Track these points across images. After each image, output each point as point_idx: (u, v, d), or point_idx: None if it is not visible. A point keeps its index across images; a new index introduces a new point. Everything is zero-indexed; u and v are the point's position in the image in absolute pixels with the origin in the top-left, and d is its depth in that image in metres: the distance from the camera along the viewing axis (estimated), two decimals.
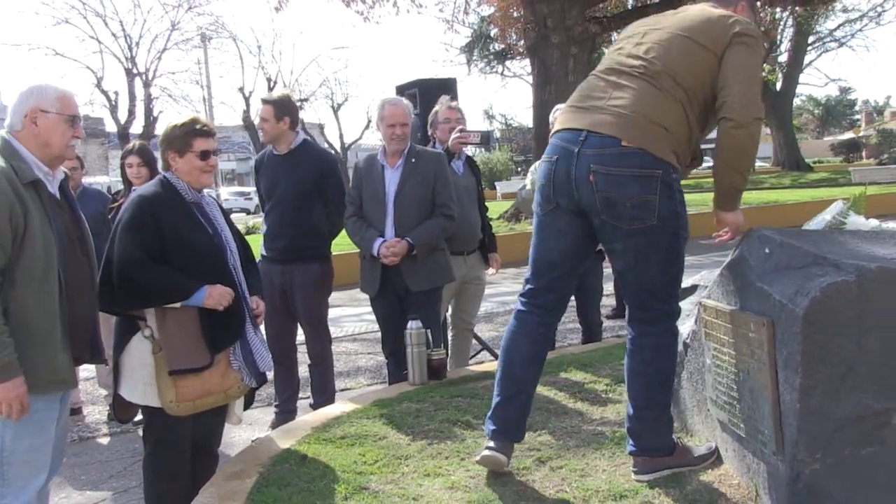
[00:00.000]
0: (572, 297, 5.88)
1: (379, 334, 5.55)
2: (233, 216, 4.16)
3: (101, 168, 40.17)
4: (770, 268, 2.80)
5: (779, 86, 42.53)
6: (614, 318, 8.54)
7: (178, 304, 3.44)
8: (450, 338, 5.86)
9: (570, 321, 7.37)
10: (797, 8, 27.09)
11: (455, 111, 5.81)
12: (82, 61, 46.52)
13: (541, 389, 4.60)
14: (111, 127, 39.76)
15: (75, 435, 5.81)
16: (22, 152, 3.11)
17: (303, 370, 5.56)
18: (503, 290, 10.34)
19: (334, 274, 5.44)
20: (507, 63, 35.98)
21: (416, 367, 4.91)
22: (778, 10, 30.51)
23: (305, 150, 5.33)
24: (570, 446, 3.69)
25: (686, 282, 4.13)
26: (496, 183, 39.74)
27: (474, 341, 6.22)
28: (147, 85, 38.23)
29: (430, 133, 5.94)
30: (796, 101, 55.24)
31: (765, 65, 41.28)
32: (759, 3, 23.30)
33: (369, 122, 41.67)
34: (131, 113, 37.36)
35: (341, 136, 48.10)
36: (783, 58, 43.81)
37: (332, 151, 42.97)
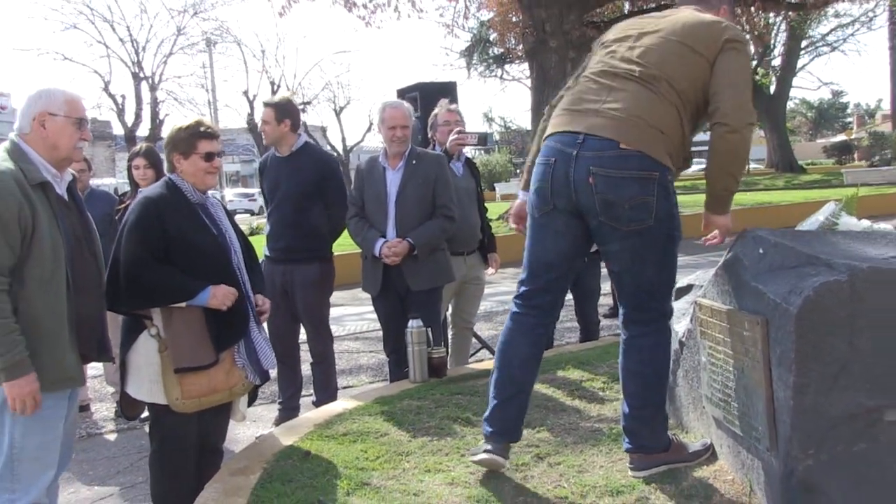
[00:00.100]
0: (570, 297, 5.93)
1: (380, 333, 5.54)
2: (237, 217, 4.16)
3: (108, 170, 40.20)
4: (764, 267, 2.80)
5: (773, 89, 42.52)
6: (612, 317, 8.53)
7: (183, 304, 3.44)
8: (450, 336, 5.86)
9: (568, 320, 7.38)
10: (790, 13, 27.06)
11: (454, 114, 5.82)
12: (90, 66, 46.77)
13: (539, 387, 4.60)
14: (118, 130, 39.85)
15: (83, 431, 5.81)
16: (30, 155, 3.11)
17: (305, 368, 5.56)
18: (502, 289, 10.34)
19: (336, 274, 5.44)
20: (506, 67, 35.97)
21: (417, 365, 4.91)
22: (772, 14, 30.49)
23: (306, 152, 5.33)
24: (568, 443, 3.69)
25: (682, 281, 4.13)
26: (495, 184, 39.73)
27: (474, 340, 6.22)
28: (153, 89, 38.27)
29: (430, 135, 5.94)
30: (790, 105, 55.25)
31: (759, 68, 41.39)
32: (753, 8, 23.37)
33: (371, 124, 41.65)
34: (138, 116, 37.41)
35: (343, 139, 48.06)
36: (777, 62, 43.83)
37: (335, 154, 43.21)
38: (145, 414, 3.72)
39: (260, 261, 4.13)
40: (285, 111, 5.26)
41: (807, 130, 78.17)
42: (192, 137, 3.58)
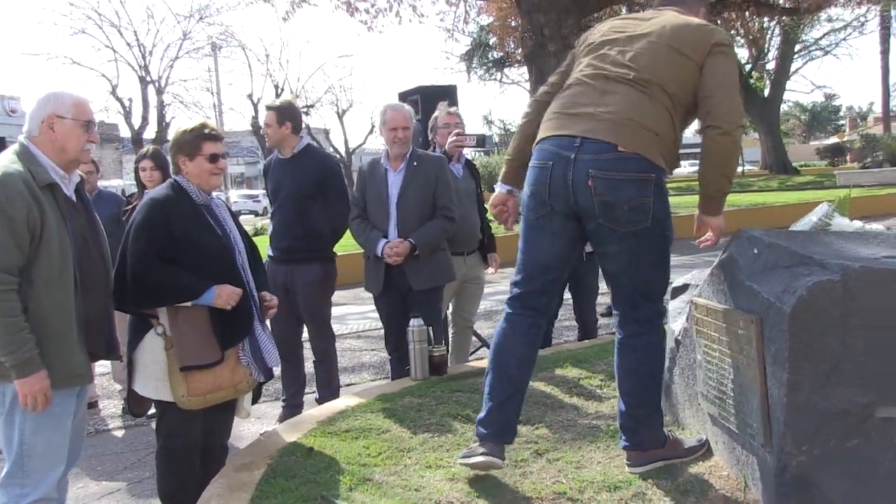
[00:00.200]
0: (569, 296, 5.93)
1: (382, 331, 5.54)
2: (241, 218, 4.16)
3: (115, 172, 40.20)
4: (758, 267, 2.80)
5: (767, 92, 42.48)
6: (609, 316, 8.51)
7: (188, 303, 3.44)
8: (450, 335, 5.86)
9: (566, 319, 7.38)
10: (784, 17, 27.09)
11: (454, 116, 5.83)
12: (98, 70, 46.55)
13: (538, 384, 4.61)
14: (125, 132, 39.88)
15: (91, 428, 5.81)
16: (39, 157, 3.11)
17: (309, 366, 5.56)
18: (502, 289, 10.29)
19: (337, 274, 5.43)
20: (506, 70, 35.95)
21: (418, 363, 4.91)
22: (766, 19, 30.52)
23: (308, 154, 5.32)
24: (567, 439, 3.69)
25: (678, 281, 4.13)
26: (495, 185, 39.47)
27: (474, 338, 6.22)
28: (160, 92, 38.33)
29: (430, 138, 5.95)
30: (783, 107, 55.27)
31: (753, 72, 41.39)
32: (747, 13, 23.38)
33: (373, 127, 41.63)
34: (144, 119, 37.48)
35: (346, 141, 48.08)
36: (771, 65, 43.79)
37: (338, 156, 43.20)
38: (152, 411, 3.73)
39: (264, 261, 4.13)
40: (286, 114, 5.26)
41: (800, 133, 78.21)
42: (197, 139, 3.58)
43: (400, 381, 5.00)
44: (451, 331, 5.88)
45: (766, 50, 41.66)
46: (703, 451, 3.30)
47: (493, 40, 31.65)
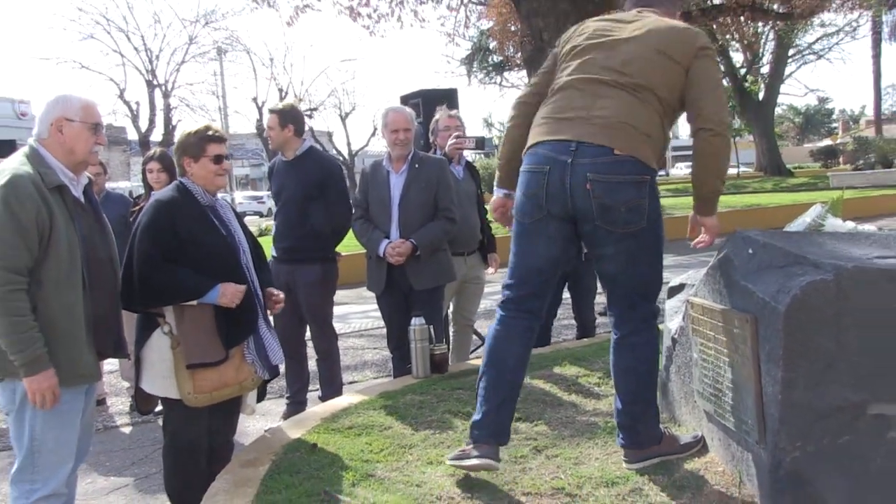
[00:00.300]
0: (567, 295, 5.93)
1: (384, 330, 5.55)
2: (246, 219, 4.16)
3: (123, 174, 40.20)
4: (753, 267, 2.80)
5: (761, 95, 42.47)
6: (607, 316, 8.52)
7: (194, 302, 3.44)
8: (451, 334, 5.86)
9: (565, 318, 7.37)
10: (778, 22, 27.06)
11: (455, 119, 5.83)
12: (106, 74, 46.51)
13: (537, 382, 4.61)
14: (133, 135, 39.92)
15: (100, 424, 5.81)
16: (48, 159, 3.11)
17: (312, 364, 5.56)
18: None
19: (338, 274, 5.43)
20: (506, 74, 35.92)
21: (420, 362, 4.91)
22: (760, 24, 30.51)
23: (310, 156, 5.32)
24: (565, 436, 3.69)
25: (674, 280, 4.13)
26: (495, 187, 39.47)
27: (474, 337, 6.22)
28: (166, 95, 38.34)
29: (431, 140, 5.95)
30: (778, 110, 55.17)
31: (748, 76, 41.40)
32: (742, 18, 23.37)
33: (375, 129, 41.64)
34: (151, 122, 37.48)
35: (349, 144, 48.09)
36: (765, 69, 43.79)
37: (341, 158, 43.20)
38: (159, 408, 3.72)
39: (268, 260, 4.13)
40: (289, 117, 5.26)
41: (794, 135, 78.16)
42: (201, 141, 3.58)
43: (402, 379, 5.00)
44: (451, 330, 5.88)
45: (760, 54, 41.65)
46: (699, 447, 3.30)
47: (493, 44, 31.61)
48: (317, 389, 5.55)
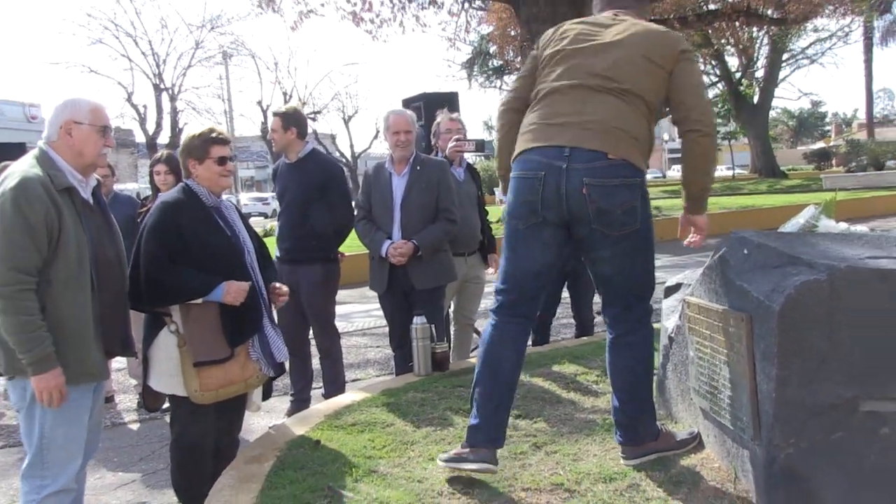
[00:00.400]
0: (566, 294, 5.93)
1: (387, 329, 5.54)
2: (251, 220, 4.17)
3: (130, 175, 40.21)
4: (748, 267, 2.80)
5: (756, 99, 42.48)
6: (602, 316, 8.50)
7: (199, 301, 3.44)
8: (452, 332, 5.86)
9: (564, 317, 7.37)
10: (773, 27, 27.08)
11: (456, 122, 5.83)
12: (114, 78, 46.92)
13: (536, 380, 4.61)
14: (140, 138, 39.98)
15: (108, 421, 5.81)
16: (58, 161, 3.11)
17: (316, 362, 5.55)
18: None
19: (340, 274, 5.42)
20: (506, 78, 35.85)
21: (421, 360, 4.91)
22: (755, 29, 30.51)
23: (313, 158, 5.32)
24: (564, 433, 3.69)
25: (671, 280, 4.13)
26: (495, 188, 39.60)
27: (475, 335, 6.22)
28: (173, 99, 38.42)
29: (433, 143, 5.95)
30: (772, 114, 55.14)
31: (743, 79, 41.39)
32: (738, 23, 23.38)
33: (378, 132, 41.65)
34: (158, 125, 37.57)
35: (352, 146, 48.18)
36: (760, 73, 43.80)
37: (344, 160, 43.16)
38: (166, 405, 3.72)
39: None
40: (292, 120, 5.26)
41: (788, 138, 78.12)
42: (206, 143, 3.58)
43: (404, 377, 5.00)
44: (452, 328, 5.88)
45: (755, 58, 41.69)
46: (695, 443, 3.30)
47: (493, 49, 31.67)
48: (320, 387, 5.55)
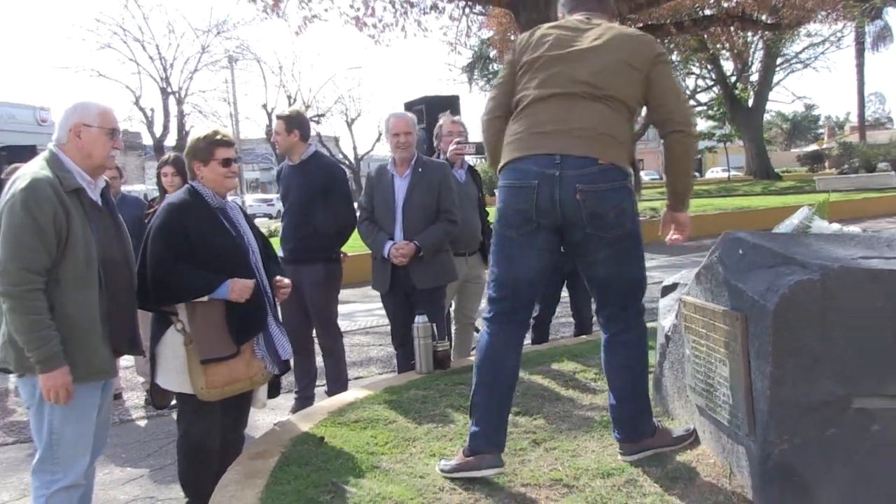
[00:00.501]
0: (566, 293, 5.92)
1: (389, 328, 5.55)
2: (256, 221, 4.17)
3: (138, 177, 40.24)
4: (743, 267, 2.80)
5: (751, 102, 42.50)
6: (596, 316, 8.48)
7: (205, 299, 3.44)
8: (453, 331, 5.85)
9: (563, 316, 7.36)
10: (767, 32, 27.06)
11: (458, 125, 5.83)
12: (122, 82, 47.06)
13: (536, 378, 4.61)
14: (147, 140, 40.04)
15: (116, 418, 5.81)
16: (67, 163, 3.11)
17: (319, 361, 5.55)
18: None
19: (342, 274, 5.42)
20: None
21: (423, 358, 4.91)
22: (750, 34, 30.48)
23: (315, 160, 5.32)
24: (563, 429, 3.68)
25: (667, 280, 4.13)
26: (496, 190, 39.41)
27: (475, 334, 6.22)
28: (180, 102, 38.45)
29: (435, 145, 5.95)
30: (766, 117, 55.18)
31: (738, 83, 41.39)
32: (733, 28, 23.37)
33: (380, 135, 41.64)
34: (165, 128, 37.60)
35: (355, 148, 48.18)
36: (754, 77, 43.80)
37: (347, 162, 43.12)
38: (174, 402, 3.72)
39: None
40: (295, 123, 5.27)
41: (782, 140, 78.11)
42: (210, 146, 3.59)
43: (406, 375, 5.00)
44: (453, 327, 5.88)
45: (750, 63, 41.69)
46: (691, 440, 3.30)
47: (493, 53, 31.63)
48: (324, 385, 5.55)
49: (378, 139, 45.08)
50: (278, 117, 5.39)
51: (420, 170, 5.11)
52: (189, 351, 3.44)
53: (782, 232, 3.41)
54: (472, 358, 5.52)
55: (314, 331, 5.46)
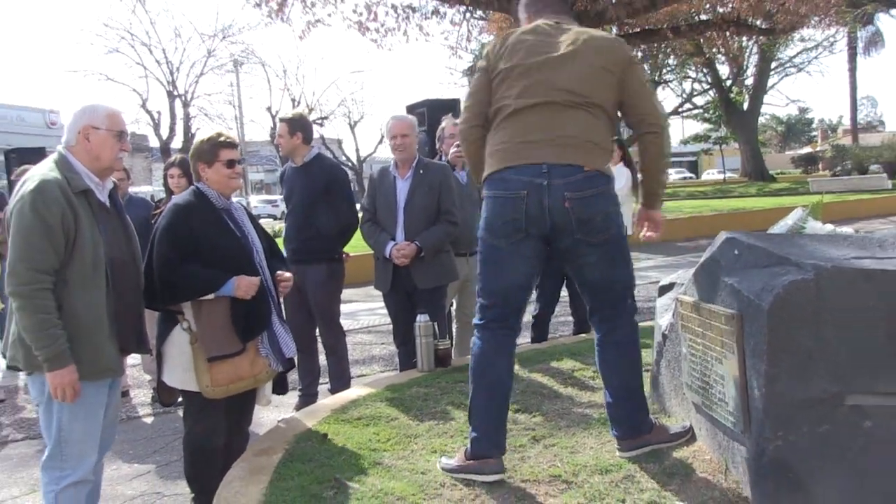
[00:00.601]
0: (565, 293, 5.92)
1: (391, 327, 5.54)
2: (261, 221, 4.16)
3: (145, 179, 40.27)
4: (739, 267, 2.80)
5: (746, 105, 42.49)
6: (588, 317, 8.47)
7: (211, 297, 3.44)
8: (454, 330, 5.85)
9: (562, 315, 7.36)
10: (762, 37, 27.04)
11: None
12: (130, 85, 46.91)
13: (535, 376, 4.61)
14: (154, 142, 40.07)
15: (123, 415, 5.81)
16: (75, 165, 3.11)
17: (323, 359, 5.56)
18: None
19: (345, 274, 5.42)
20: None
21: (425, 356, 4.91)
22: (745, 38, 30.49)
23: (317, 162, 5.32)
24: (562, 426, 3.68)
25: (664, 280, 4.13)
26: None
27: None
28: (186, 105, 38.44)
29: (438, 147, 5.95)
30: (761, 120, 55.14)
31: (734, 87, 41.39)
32: (728, 33, 23.36)
33: (382, 137, 41.68)
34: (172, 130, 37.62)
35: (357, 151, 48.16)
36: (749, 81, 43.80)
37: (350, 164, 43.10)
38: (180, 400, 3.72)
39: None
40: (297, 125, 5.27)
41: (776, 143, 78.06)
42: (214, 147, 3.59)
43: (407, 373, 5.00)
44: (454, 326, 5.88)
45: (745, 67, 41.71)
46: (688, 436, 3.30)
47: None
48: (327, 382, 5.55)
49: (380, 141, 45.08)
50: (281, 120, 5.40)
51: (421, 172, 5.11)
52: (195, 349, 3.44)
53: (777, 232, 3.41)
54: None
55: (317, 329, 5.46)
